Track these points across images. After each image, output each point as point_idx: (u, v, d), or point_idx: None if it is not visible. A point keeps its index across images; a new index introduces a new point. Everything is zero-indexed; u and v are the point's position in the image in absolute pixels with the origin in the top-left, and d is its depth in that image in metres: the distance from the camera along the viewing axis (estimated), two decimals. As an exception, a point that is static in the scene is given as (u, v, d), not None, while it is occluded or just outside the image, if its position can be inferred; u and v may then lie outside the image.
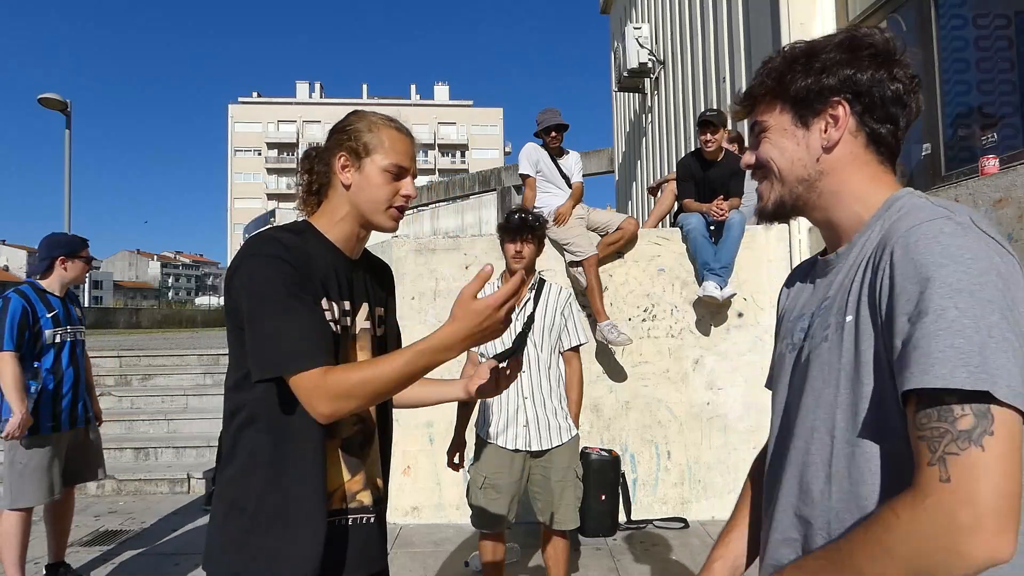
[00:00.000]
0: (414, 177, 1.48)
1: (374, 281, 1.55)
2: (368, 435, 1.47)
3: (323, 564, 1.32)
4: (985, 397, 0.72)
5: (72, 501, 3.74)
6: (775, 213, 1.06)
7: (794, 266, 1.34)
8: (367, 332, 1.48)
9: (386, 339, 1.56)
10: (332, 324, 1.37)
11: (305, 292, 1.30)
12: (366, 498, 1.44)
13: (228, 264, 1.34)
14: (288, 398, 1.29)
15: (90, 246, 3.67)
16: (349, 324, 1.43)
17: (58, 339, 3.47)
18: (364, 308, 1.48)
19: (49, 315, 3.43)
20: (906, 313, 0.79)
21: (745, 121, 1.09)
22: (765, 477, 1.09)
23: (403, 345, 1.56)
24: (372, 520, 1.45)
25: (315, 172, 1.47)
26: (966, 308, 0.75)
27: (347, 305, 1.43)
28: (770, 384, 1.14)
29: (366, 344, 1.47)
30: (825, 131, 0.98)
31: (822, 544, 0.90)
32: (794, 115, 1.00)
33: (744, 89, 1.09)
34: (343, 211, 1.44)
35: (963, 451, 0.72)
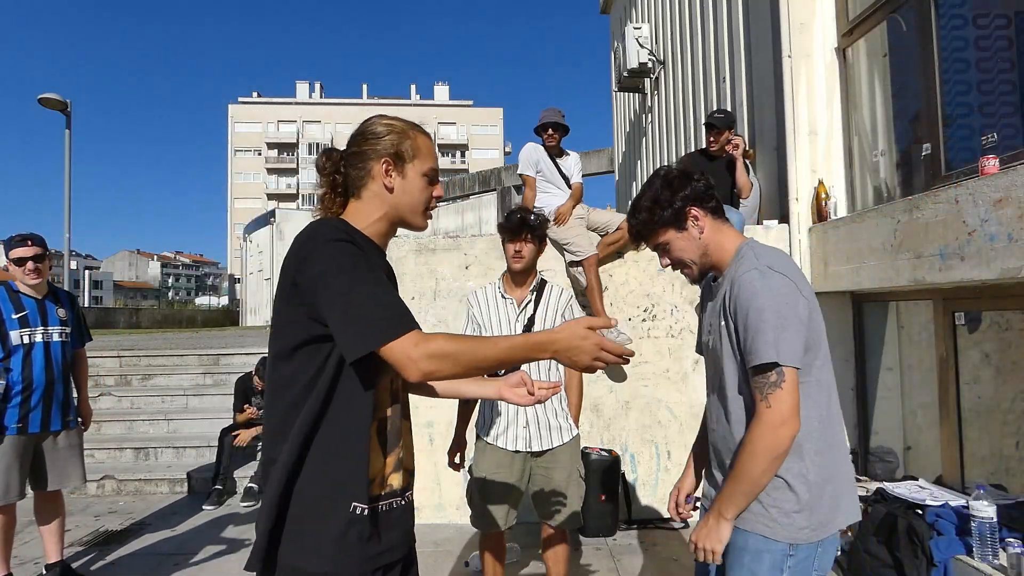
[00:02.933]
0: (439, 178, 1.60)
1: (392, 274, 1.64)
2: (401, 420, 1.52)
3: (363, 549, 1.37)
4: (778, 365, 1.54)
5: (54, 506, 3.64)
6: (700, 278, 1.84)
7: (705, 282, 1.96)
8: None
9: None
10: None
11: (378, 271, 1.39)
12: (397, 482, 1.49)
13: (292, 247, 1.39)
14: (344, 380, 1.35)
15: (30, 242, 3.44)
16: None
17: (26, 339, 3.42)
18: None
19: (16, 316, 3.40)
20: (742, 323, 1.61)
21: (653, 248, 1.84)
22: (706, 408, 1.89)
23: None
24: (403, 503, 1.51)
25: (343, 173, 1.52)
26: (768, 318, 1.56)
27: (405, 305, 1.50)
28: (700, 350, 1.94)
29: None
30: (696, 225, 1.76)
31: (724, 449, 1.73)
32: (675, 229, 1.77)
33: (632, 235, 1.87)
34: (379, 212, 1.51)
35: (774, 391, 1.54)
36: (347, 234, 1.39)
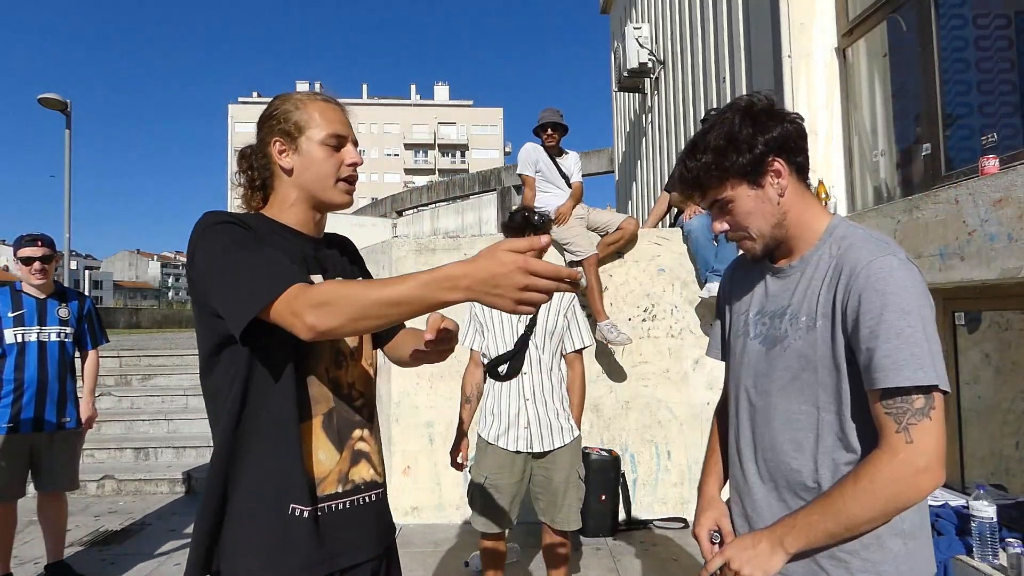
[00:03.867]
0: (355, 145, 1.42)
1: (342, 255, 1.52)
2: (365, 412, 1.43)
3: (313, 551, 1.28)
4: (932, 388, 1.12)
5: (54, 506, 3.62)
6: (763, 255, 1.36)
7: (735, 261, 1.55)
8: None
9: None
10: None
11: (261, 243, 1.26)
12: (360, 477, 1.39)
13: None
14: (264, 376, 1.26)
15: (40, 243, 3.44)
16: None
17: (20, 339, 3.41)
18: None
19: (12, 315, 3.40)
20: (870, 327, 1.15)
21: (710, 203, 1.37)
22: (736, 430, 1.42)
23: None
24: (372, 499, 1.41)
25: (255, 167, 1.43)
26: (918, 324, 1.13)
27: (320, 279, 1.38)
28: (717, 354, 1.56)
29: None
30: (775, 184, 1.29)
31: (811, 486, 1.25)
32: (748, 183, 1.29)
33: (686, 181, 1.36)
34: (292, 196, 1.39)
35: (920, 422, 1.12)
36: (231, 216, 1.28)
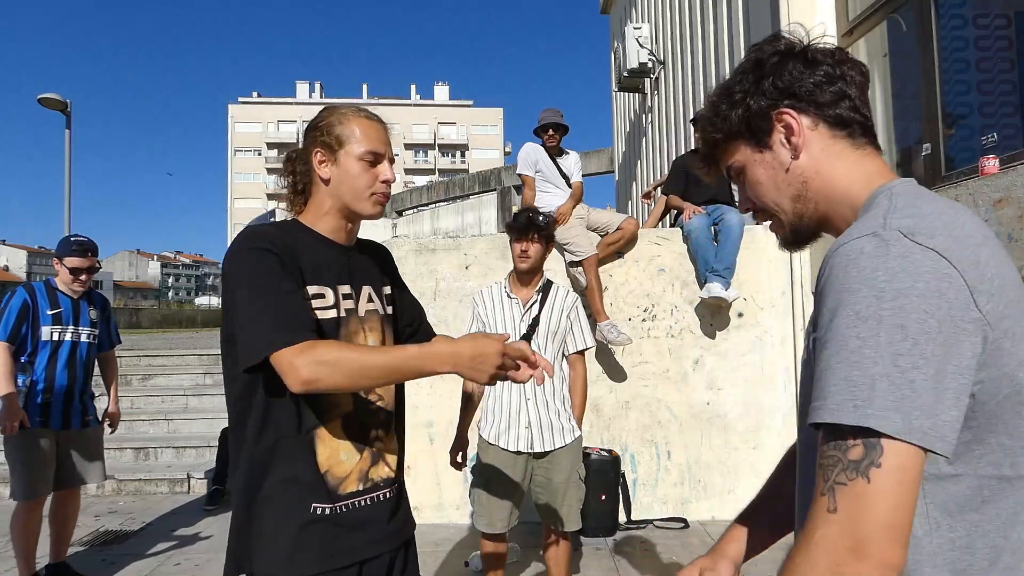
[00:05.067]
0: (391, 162, 1.50)
1: (373, 264, 1.59)
2: (384, 414, 1.51)
3: (334, 544, 1.37)
4: (878, 432, 0.70)
5: (73, 504, 3.69)
6: (795, 240, 1.01)
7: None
8: (375, 313, 1.52)
9: (397, 316, 1.63)
10: (331, 309, 1.42)
11: (287, 279, 1.34)
12: (378, 475, 1.47)
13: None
14: (272, 389, 1.34)
15: (90, 254, 3.51)
16: (353, 307, 1.47)
17: (56, 337, 3.45)
18: (367, 290, 1.52)
19: (51, 312, 3.44)
20: (820, 337, 0.78)
21: (725, 172, 1.05)
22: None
23: (424, 316, 1.75)
24: (389, 496, 1.49)
25: (298, 172, 1.52)
26: (868, 337, 0.72)
27: (347, 289, 1.47)
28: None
29: (375, 324, 1.52)
30: (787, 142, 0.95)
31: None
32: (752, 144, 0.98)
33: (701, 147, 1.09)
34: (327, 205, 1.47)
35: (850, 482, 0.71)
36: (267, 241, 1.36)
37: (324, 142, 1.44)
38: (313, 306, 1.39)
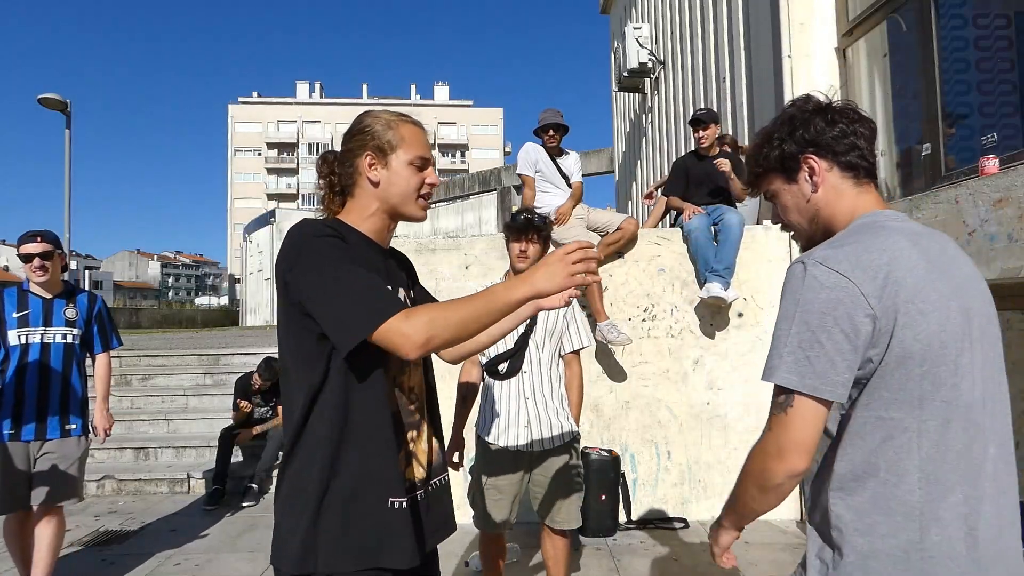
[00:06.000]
0: (434, 166, 1.58)
1: (401, 268, 1.65)
2: (420, 412, 1.54)
3: (385, 546, 1.38)
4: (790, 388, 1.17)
5: (55, 523, 3.30)
6: (809, 248, 1.36)
7: None
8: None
9: None
10: None
11: (359, 262, 1.39)
12: (414, 476, 1.49)
13: (278, 251, 1.43)
14: (353, 377, 1.37)
15: (39, 239, 3.30)
16: None
17: (23, 340, 3.24)
18: (401, 293, 1.56)
19: (17, 315, 3.25)
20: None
21: (764, 195, 1.46)
22: None
23: None
24: (422, 497, 1.50)
25: (337, 174, 1.55)
26: (785, 329, 1.19)
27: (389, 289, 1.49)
28: None
29: None
30: (809, 180, 1.34)
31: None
32: (784, 178, 1.38)
33: (746, 177, 1.49)
34: (373, 207, 1.52)
35: (777, 414, 1.19)
36: (332, 229, 1.41)
37: (376, 146, 1.49)
38: None
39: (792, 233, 1.44)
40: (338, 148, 1.59)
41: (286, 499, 1.41)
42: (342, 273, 1.33)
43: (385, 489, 1.39)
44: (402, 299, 1.52)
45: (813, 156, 1.32)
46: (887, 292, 1.14)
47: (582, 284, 1.30)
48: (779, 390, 1.19)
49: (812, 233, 1.37)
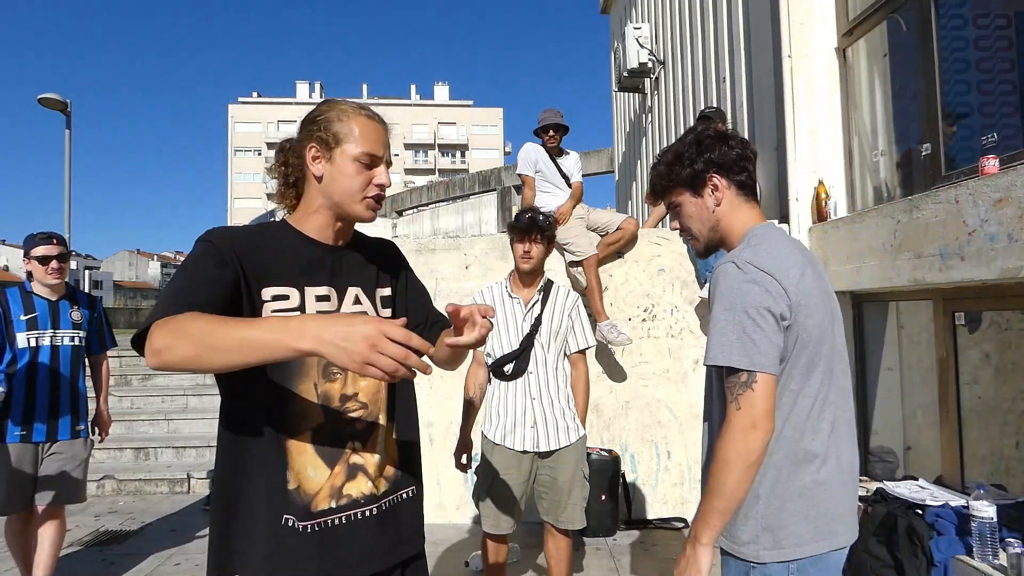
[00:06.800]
0: (388, 165, 1.44)
1: (368, 264, 1.50)
2: (364, 424, 1.40)
3: (310, 566, 1.29)
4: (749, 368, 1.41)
5: (58, 524, 3.36)
6: (706, 252, 1.72)
7: None
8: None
9: (395, 318, 1.47)
10: (294, 312, 1.34)
11: (215, 268, 1.26)
12: (358, 491, 1.37)
13: None
14: (238, 391, 1.32)
15: (55, 240, 3.33)
16: (331, 309, 1.40)
17: (33, 343, 3.25)
18: (353, 292, 1.45)
19: (25, 317, 3.26)
20: (713, 316, 1.49)
21: (666, 206, 1.71)
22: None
23: (430, 312, 1.65)
24: (372, 513, 1.38)
25: (290, 165, 1.46)
26: (729, 318, 1.44)
27: (324, 291, 1.39)
28: None
29: None
30: (712, 195, 1.61)
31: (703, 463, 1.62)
32: (691, 192, 1.63)
33: (651, 187, 1.72)
34: (317, 202, 1.41)
35: (743, 392, 1.41)
36: (213, 234, 1.32)
37: (320, 137, 1.37)
38: (272, 308, 1.32)
39: (689, 238, 1.70)
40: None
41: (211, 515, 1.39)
42: (175, 276, 1.26)
43: (280, 508, 1.29)
44: (332, 305, 1.39)
45: (716, 175, 1.58)
46: (799, 290, 1.46)
47: (378, 379, 1.04)
48: (736, 372, 1.42)
49: (710, 239, 1.65)
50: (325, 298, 1.39)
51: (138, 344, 1.19)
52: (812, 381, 1.48)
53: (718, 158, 1.58)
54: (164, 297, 1.21)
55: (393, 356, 1.02)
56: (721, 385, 1.51)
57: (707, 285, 4.44)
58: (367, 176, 1.39)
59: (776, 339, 1.42)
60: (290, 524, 1.29)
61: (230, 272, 1.28)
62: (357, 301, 1.45)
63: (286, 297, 1.34)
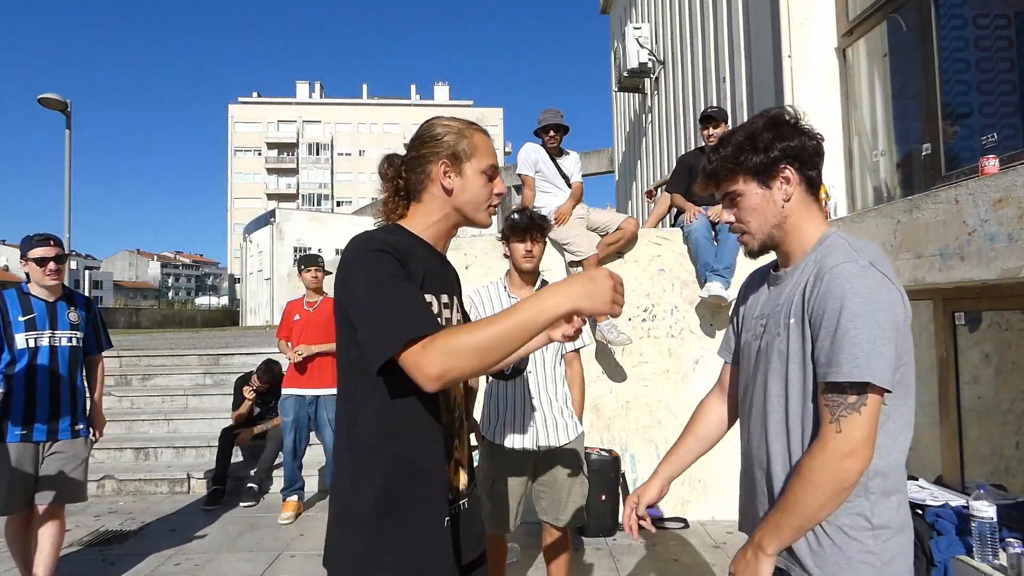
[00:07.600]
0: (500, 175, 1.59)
1: (453, 276, 1.64)
2: (461, 422, 1.54)
3: (437, 555, 1.38)
4: (866, 385, 1.24)
5: (58, 523, 3.35)
6: (760, 252, 1.50)
7: (752, 271, 1.69)
8: (460, 324, 1.56)
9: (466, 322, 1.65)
10: (437, 318, 1.44)
11: (407, 279, 1.36)
12: (461, 484, 1.51)
13: (338, 265, 1.43)
14: (401, 391, 1.34)
15: (52, 242, 3.34)
16: (449, 316, 1.52)
17: (32, 343, 3.26)
18: (456, 301, 1.58)
19: (23, 318, 3.27)
20: (826, 326, 1.28)
21: (723, 194, 1.48)
22: (740, 422, 1.59)
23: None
24: (466, 506, 1.51)
25: (404, 178, 1.55)
26: (864, 326, 1.24)
27: (445, 298, 1.51)
28: (725, 355, 1.73)
29: None
30: (783, 188, 1.41)
31: (780, 467, 1.40)
32: (758, 182, 1.42)
33: (706, 172, 1.50)
34: (440, 213, 1.52)
35: (850, 415, 1.25)
36: (387, 244, 1.37)
37: (451, 154, 1.49)
38: None
39: (743, 235, 1.49)
40: (400, 152, 1.59)
41: (336, 509, 1.41)
42: (384, 291, 1.30)
43: (433, 501, 1.39)
44: (449, 313, 1.52)
45: (790, 167, 1.39)
46: (905, 300, 1.32)
47: (617, 316, 1.21)
48: (851, 388, 1.24)
49: (771, 237, 1.45)
50: (448, 305, 1.52)
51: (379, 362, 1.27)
52: (907, 401, 1.36)
53: (796, 148, 1.39)
54: (394, 315, 1.27)
55: (620, 297, 1.22)
56: (808, 388, 1.35)
57: (708, 285, 4.47)
58: (490, 187, 1.54)
59: (894, 353, 1.27)
60: (438, 517, 1.40)
61: (413, 279, 1.40)
62: (459, 309, 1.59)
63: (431, 304, 1.44)
